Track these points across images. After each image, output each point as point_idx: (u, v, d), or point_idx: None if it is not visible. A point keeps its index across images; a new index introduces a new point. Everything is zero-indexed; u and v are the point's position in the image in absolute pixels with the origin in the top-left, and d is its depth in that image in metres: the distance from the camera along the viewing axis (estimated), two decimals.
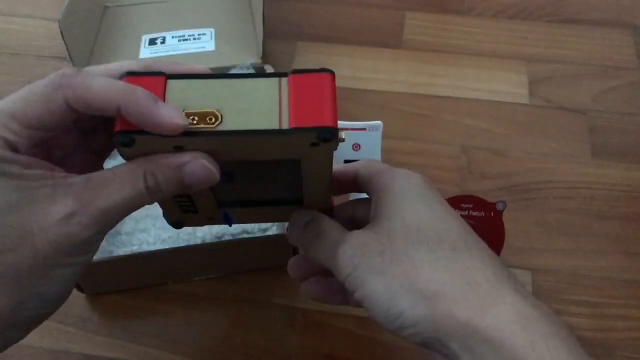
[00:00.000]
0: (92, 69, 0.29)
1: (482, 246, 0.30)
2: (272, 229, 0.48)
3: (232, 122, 0.26)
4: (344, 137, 0.29)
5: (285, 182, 0.32)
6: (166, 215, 0.35)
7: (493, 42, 0.65)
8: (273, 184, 0.32)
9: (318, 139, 0.26)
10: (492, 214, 0.44)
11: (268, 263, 0.48)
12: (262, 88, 0.27)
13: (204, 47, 0.61)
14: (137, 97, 0.26)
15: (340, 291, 0.35)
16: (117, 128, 0.27)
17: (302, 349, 0.45)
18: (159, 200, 0.29)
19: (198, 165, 0.27)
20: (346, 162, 0.36)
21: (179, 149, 0.27)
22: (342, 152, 0.44)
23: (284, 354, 0.44)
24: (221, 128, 0.26)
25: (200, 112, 0.26)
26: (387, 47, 0.65)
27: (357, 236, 0.30)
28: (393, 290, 0.28)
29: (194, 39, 0.62)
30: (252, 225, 0.48)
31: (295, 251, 0.47)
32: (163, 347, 0.45)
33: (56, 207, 0.26)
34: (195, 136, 0.26)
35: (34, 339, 0.44)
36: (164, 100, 0.27)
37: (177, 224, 0.36)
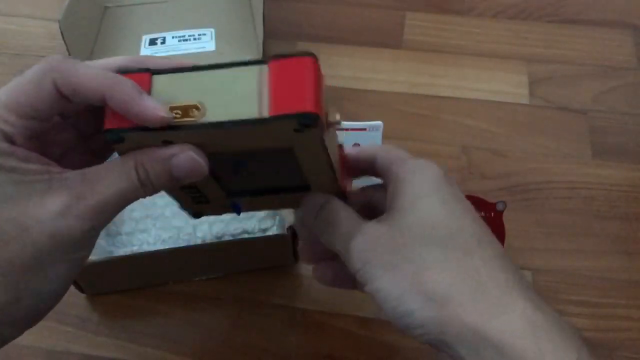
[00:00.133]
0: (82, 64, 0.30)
1: (496, 247, 0.30)
2: (272, 228, 0.48)
3: (213, 114, 0.26)
4: (338, 118, 0.28)
5: (286, 169, 0.31)
6: (182, 207, 0.36)
7: (493, 42, 0.65)
8: (275, 172, 0.32)
9: (299, 125, 0.26)
10: (492, 214, 0.44)
11: (268, 263, 0.48)
12: (242, 76, 0.27)
13: (204, 47, 0.61)
14: (123, 86, 0.26)
15: (350, 277, 0.35)
16: (106, 126, 0.27)
17: (302, 349, 0.45)
18: (151, 194, 0.29)
19: (186, 158, 0.28)
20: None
21: (168, 143, 0.28)
22: None
23: (284, 354, 0.44)
24: (203, 120, 0.26)
25: (183, 106, 0.27)
26: (387, 47, 0.65)
27: (369, 229, 0.30)
28: (402, 289, 0.28)
29: (194, 39, 0.62)
30: (252, 225, 0.48)
31: (295, 253, 0.47)
32: (163, 347, 0.45)
33: (52, 200, 0.26)
34: (179, 130, 0.27)
35: (33, 338, 0.44)
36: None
37: (195, 214, 0.37)
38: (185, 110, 0.26)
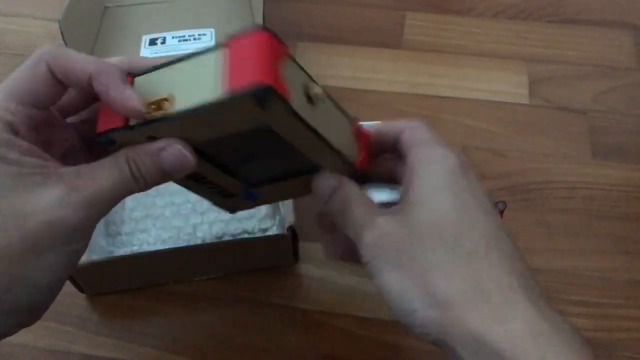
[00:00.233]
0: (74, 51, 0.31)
1: (504, 247, 0.29)
2: (272, 228, 0.48)
3: (182, 103, 0.27)
4: (318, 91, 0.28)
5: (285, 152, 0.31)
6: (215, 204, 0.38)
7: (493, 42, 0.65)
8: (280, 157, 0.32)
9: (257, 100, 0.26)
10: None
11: (268, 263, 0.48)
12: (205, 63, 0.28)
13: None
14: (110, 70, 0.28)
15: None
16: (97, 130, 0.29)
17: (302, 349, 0.45)
18: (145, 189, 0.30)
19: (173, 151, 0.29)
20: None
21: (152, 139, 0.29)
22: None
23: (284, 354, 0.44)
24: (172, 110, 0.28)
25: (156, 100, 0.28)
26: (387, 47, 0.65)
27: (380, 224, 0.30)
28: (407, 288, 0.28)
29: (194, 39, 0.62)
30: (252, 225, 0.48)
31: (295, 253, 0.47)
32: (163, 347, 0.45)
33: (47, 192, 0.28)
34: (158, 122, 0.28)
35: (33, 338, 0.44)
36: None
37: (230, 210, 0.39)
38: (158, 103, 0.28)
